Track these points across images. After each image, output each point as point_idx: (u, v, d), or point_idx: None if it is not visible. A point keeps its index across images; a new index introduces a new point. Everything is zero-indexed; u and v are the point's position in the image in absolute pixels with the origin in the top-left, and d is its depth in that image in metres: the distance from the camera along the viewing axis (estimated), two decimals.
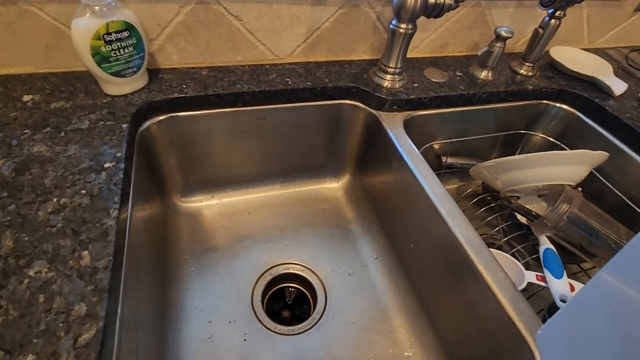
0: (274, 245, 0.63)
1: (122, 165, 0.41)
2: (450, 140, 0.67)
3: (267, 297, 0.58)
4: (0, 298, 0.29)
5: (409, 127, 0.60)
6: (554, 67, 0.73)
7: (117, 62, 0.47)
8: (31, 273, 0.31)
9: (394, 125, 0.58)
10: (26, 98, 0.48)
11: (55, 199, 0.36)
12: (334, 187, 0.73)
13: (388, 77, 0.60)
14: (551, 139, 0.69)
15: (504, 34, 0.61)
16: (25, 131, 0.43)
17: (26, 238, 0.33)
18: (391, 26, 0.55)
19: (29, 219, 0.34)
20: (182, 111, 0.54)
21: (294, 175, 0.71)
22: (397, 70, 0.60)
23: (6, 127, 0.43)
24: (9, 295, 0.29)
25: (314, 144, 0.67)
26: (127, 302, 0.35)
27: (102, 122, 0.46)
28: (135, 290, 0.39)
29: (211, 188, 0.67)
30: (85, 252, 0.32)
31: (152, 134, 0.53)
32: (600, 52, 0.80)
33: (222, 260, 0.60)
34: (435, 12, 0.53)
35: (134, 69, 0.49)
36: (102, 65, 0.46)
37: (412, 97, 0.59)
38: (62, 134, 0.43)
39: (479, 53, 0.63)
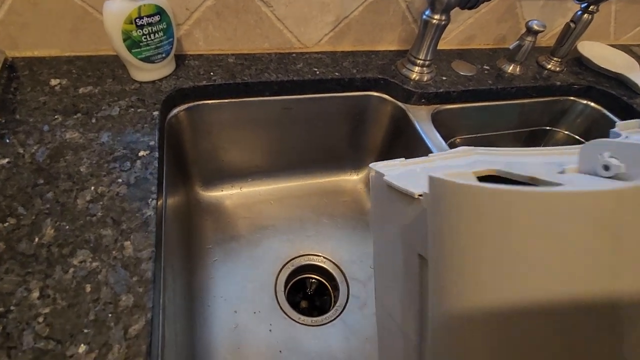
0: (295, 237, 0.63)
1: (156, 154, 0.40)
2: (477, 135, 0.66)
3: (288, 287, 0.59)
4: (47, 287, 0.28)
5: (436, 120, 0.59)
6: (580, 63, 0.72)
7: (147, 48, 0.46)
8: (75, 262, 0.30)
9: (421, 119, 0.58)
10: (54, 82, 0.47)
11: (92, 187, 0.36)
12: (354, 179, 0.73)
13: (417, 69, 0.59)
14: (576, 137, 0.69)
15: (535, 27, 0.59)
16: (56, 117, 0.42)
17: (67, 227, 0.32)
18: (424, 17, 0.54)
19: (68, 207, 0.34)
20: (209, 99, 0.53)
21: (315, 167, 0.70)
22: (427, 63, 0.58)
23: (36, 111, 0.42)
24: (55, 285, 0.29)
25: (337, 136, 0.66)
26: (167, 292, 0.35)
27: (133, 109, 0.45)
28: (172, 280, 0.39)
29: (232, 177, 0.66)
30: (128, 243, 0.32)
31: (180, 121, 0.52)
32: (625, 49, 0.79)
33: (245, 250, 0.60)
34: (471, 3, 0.51)
35: (163, 55, 0.48)
36: (133, 51, 0.45)
37: (441, 90, 0.58)
38: (93, 120, 0.43)
39: (511, 47, 0.62)
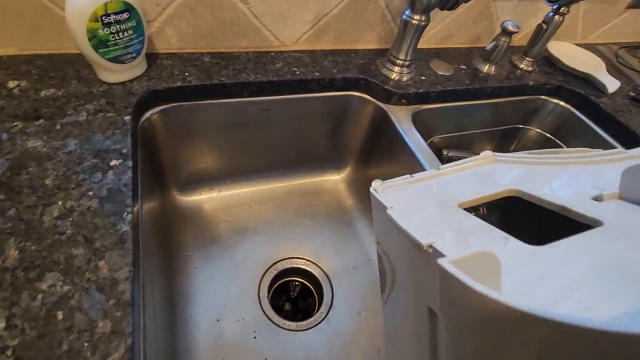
0: (277, 240, 0.62)
1: (130, 163, 0.38)
2: (454, 134, 0.67)
3: (272, 292, 0.58)
4: (14, 316, 0.26)
5: (415, 120, 0.59)
6: (550, 62, 0.75)
7: (116, 47, 0.43)
8: (44, 287, 0.28)
9: (402, 119, 0.58)
10: (11, 84, 0.43)
11: (60, 202, 0.33)
12: (334, 179, 0.72)
13: (396, 69, 0.59)
14: (547, 134, 0.71)
15: (510, 28, 0.60)
16: (16, 123, 0.39)
17: (33, 247, 0.30)
18: (404, 17, 0.53)
19: (33, 225, 0.31)
20: (184, 101, 0.50)
21: (295, 168, 0.69)
22: (407, 63, 0.58)
23: None
24: (22, 313, 0.27)
25: (317, 136, 0.65)
26: (147, 310, 0.33)
27: (102, 114, 0.42)
28: (151, 295, 0.37)
29: (210, 181, 0.64)
30: (102, 262, 0.30)
31: (153, 124, 0.49)
32: (591, 48, 0.82)
33: (226, 256, 0.58)
34: (450, 4, 0.52)
35: (133, 55, 0.45)
36: (100, 51, 0.42)
37: (421, 90, 0.58)
38: (58, 126, 0.40)
39: (488, 48, 0.63)
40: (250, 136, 0.60)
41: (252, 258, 0.59)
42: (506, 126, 0.72)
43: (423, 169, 0.52)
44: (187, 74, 0.50)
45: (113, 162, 0.37)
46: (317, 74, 0.56)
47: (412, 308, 0.23)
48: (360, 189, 0.70)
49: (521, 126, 0.73)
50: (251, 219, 0.64)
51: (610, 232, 0.16)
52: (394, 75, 0.59)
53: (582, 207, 0.17)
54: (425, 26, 0.53)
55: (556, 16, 0.63)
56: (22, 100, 0.41)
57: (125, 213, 0.34)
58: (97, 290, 0.28)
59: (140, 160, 0.43)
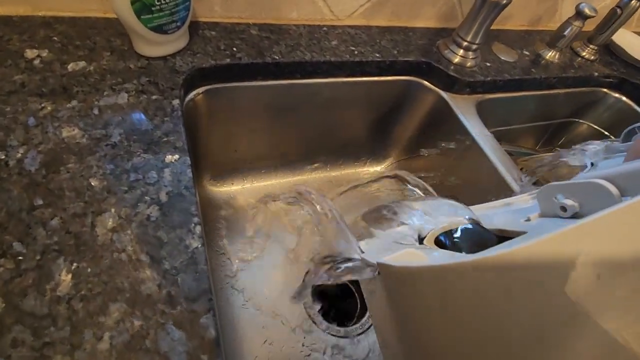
0: (316, 237, 0.57)
1: (188, 160, 0.31)
2: (505, 128, 0.62)
3: (316, 294, 0.53)
4: None
5: (478, 111, 0.54)
6: (610, 51, 0.69)
7: (161, 14, 0.35)
8: (110, 323, 0.22)
9: (465, 110, 0.52)
10: (30, 54, 0.35)
11: (113, 210, 0.27)
12: (376, 171, 0.67)
13: (461, 52, 0.52)
14: (602, 130, 0.67)
15: (587, 11, 0.54)
16: (43, 104, 0.32)
17: (89, 269, 0.24)
18: None
19: (84, 239, 0.25)
20: (232, 80, 0.43)
21: (335, 158, 0.63)
22: (474, 47, 0.52)
23: (13, 96, 0.31)
24: None
25: (362, 125, 0.59)
26: None
27: (145, 96, 0.35)
28: None
29: (244, 170, 0.58)
30: (175, 289, 0.24)
31: (197, 106, 0.42)
32: None
33: (264, 256, 0.53)
34: None
35: (178, 24, 0.38)
36: (142, 17, 0.34)
37: (489, 78, 0.52)
38: (96, 110, 0.32)
39: (566, 33, 0.56)
40: (292, 122, 0.54)
41: (292, 257, 0.54)
42: (561, 119, 0.67)
43: (492, 166, 0.47)
44: (235, 49, 0.43)
45: (168, 158, 0.31)
46: (377, 54, 0.49)
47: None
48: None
49: (575, 120, 0.68)
50: (288, 214, 0.58)
51: (528, 236, 0.19)
52: (456, 59, 0.53)
53: (515, 226, 0.22)
54: (507, 5, 0.47)
55: (633, 1, 0.57)
56: (46, 75, 0.34)
57: (193, 224, 0.28)
58: (175, 326, 0.23)
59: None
